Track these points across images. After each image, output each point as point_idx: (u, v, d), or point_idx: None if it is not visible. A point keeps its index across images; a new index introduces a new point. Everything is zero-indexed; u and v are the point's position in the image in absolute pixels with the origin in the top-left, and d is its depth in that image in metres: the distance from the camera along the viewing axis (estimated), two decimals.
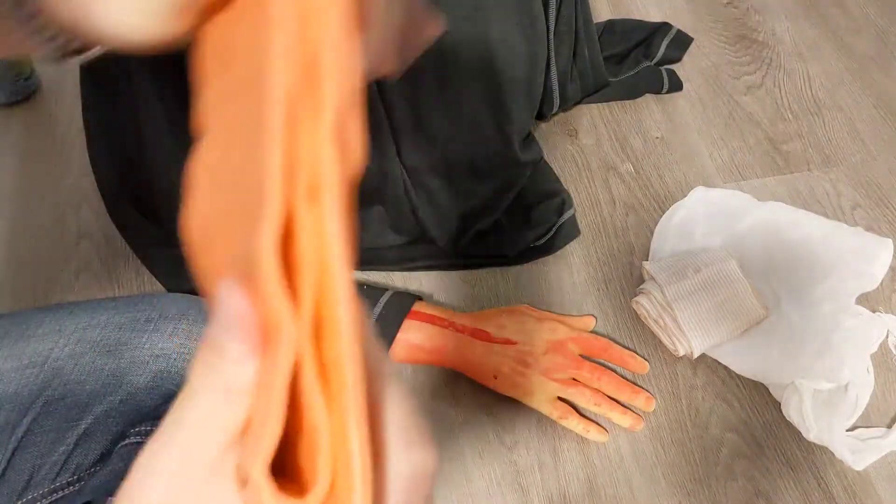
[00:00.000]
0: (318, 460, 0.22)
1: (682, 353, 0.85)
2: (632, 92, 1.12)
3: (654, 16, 1.24)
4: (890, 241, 0.91)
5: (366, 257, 0.92)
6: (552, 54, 0.94)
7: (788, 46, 1.21)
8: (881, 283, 0.90)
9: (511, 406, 0.82)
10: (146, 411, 0.54)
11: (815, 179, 1.03)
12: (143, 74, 0.75)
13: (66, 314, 0.55)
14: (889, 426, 0.81)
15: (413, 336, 0.81)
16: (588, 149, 1.07)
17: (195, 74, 0.25)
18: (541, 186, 0.98)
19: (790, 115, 1.11)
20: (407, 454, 0.26)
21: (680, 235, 0.95)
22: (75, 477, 0.50)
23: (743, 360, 0.85)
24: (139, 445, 0.52)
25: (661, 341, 0.87)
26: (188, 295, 0.60)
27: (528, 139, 0.98)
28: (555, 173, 1.01)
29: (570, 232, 0.95)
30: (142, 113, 0.77)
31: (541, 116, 1.05)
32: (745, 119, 1.11)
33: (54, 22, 0.27)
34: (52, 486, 0.49)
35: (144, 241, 0.92)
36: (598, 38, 1.07)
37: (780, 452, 0.80)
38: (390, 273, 0.93)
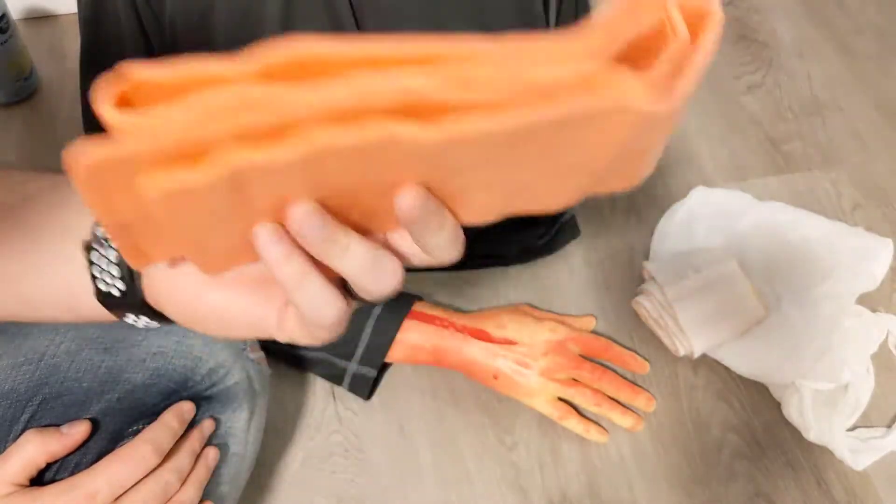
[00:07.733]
0: None
1: (682, 353, 0.84)
2: None
3: None
4: (890, 241, 0.91)
5: None
6: None
7: (788, 46, 1.21)
8: (881, 283, 0.89)
9: (511, 406, 0.82)
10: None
11: (815, 179, 1.03)
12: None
13: None
14: (889, 426, 0.81)
15: (413, 336, 0.81)
16: None
17: None
18: None
19: (790, 115, 1.11)
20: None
21: (680, 235, 0.94)
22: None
23: (743, 360, 0.84)
24: None
25: (661, 341, 0.87)
26: None
27: None
28: None
29: (571, 232, 0.95)
30: None
31: None
32: (746, 119, 1.11)
33: None
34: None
35: None
36: None
37: (781, 452, 0.80)
38: None
